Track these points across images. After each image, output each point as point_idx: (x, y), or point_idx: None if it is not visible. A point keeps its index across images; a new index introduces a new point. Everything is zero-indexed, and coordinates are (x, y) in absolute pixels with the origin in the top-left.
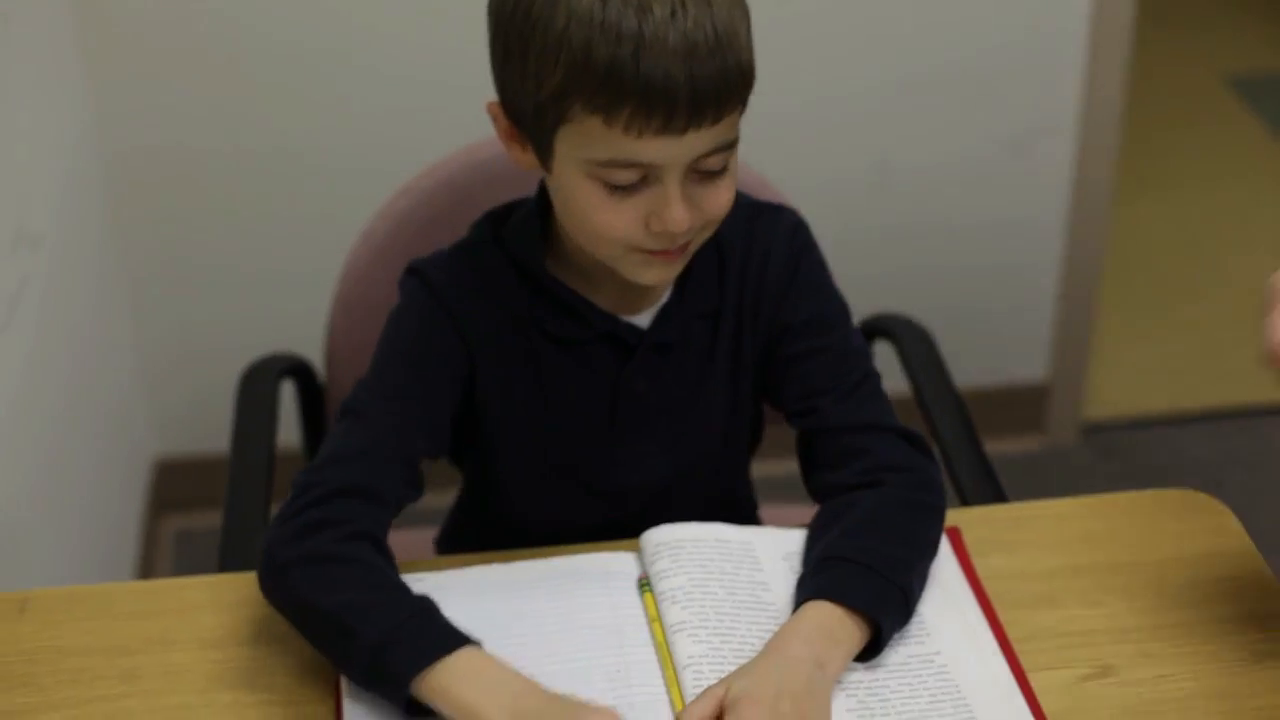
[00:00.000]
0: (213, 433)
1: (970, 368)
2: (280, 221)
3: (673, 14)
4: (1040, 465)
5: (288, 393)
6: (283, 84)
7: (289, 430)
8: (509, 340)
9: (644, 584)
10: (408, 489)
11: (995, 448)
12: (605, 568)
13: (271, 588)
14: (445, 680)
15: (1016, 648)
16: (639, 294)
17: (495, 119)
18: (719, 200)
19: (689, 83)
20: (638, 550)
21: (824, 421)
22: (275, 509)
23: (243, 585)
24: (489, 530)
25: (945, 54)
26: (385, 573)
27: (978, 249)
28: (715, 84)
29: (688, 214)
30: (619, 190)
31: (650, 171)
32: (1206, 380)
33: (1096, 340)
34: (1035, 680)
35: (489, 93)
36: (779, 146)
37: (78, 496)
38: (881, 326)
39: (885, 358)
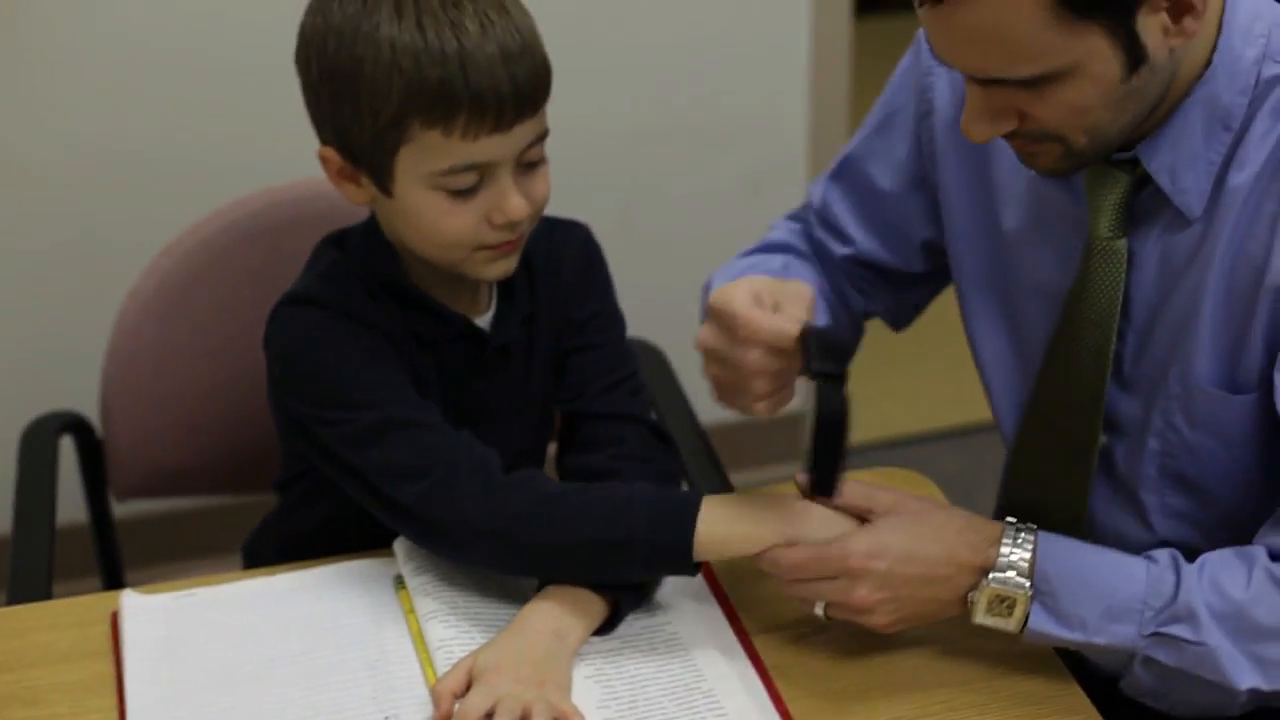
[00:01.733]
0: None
1: None
2: (52, 293)
3: (483, 27)
4: None
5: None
6: (47, 144)
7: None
8: (399, 344)
9: (399, 582)
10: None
11: (758, 475)
12: (364, 572)
13: (514, 544)
14: (716, 532)
15: (740, 614)
16: (470, 303)
17: (327, 161)
18: (543, 188)
19: (511, 83)
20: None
21: (587, 407)
22: (57, 582)
23: (27, 616)
24: (308, 530)
25: (681, 104)
26: (588, 489)
27: None
28: (531, 80)
29: (524, 202)
30: (460, 195)
31: (486, 171)
32: (952, 400)
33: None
34: (757, 640)
35: (245, 159)
36: None
37: None
38: None
39: None
